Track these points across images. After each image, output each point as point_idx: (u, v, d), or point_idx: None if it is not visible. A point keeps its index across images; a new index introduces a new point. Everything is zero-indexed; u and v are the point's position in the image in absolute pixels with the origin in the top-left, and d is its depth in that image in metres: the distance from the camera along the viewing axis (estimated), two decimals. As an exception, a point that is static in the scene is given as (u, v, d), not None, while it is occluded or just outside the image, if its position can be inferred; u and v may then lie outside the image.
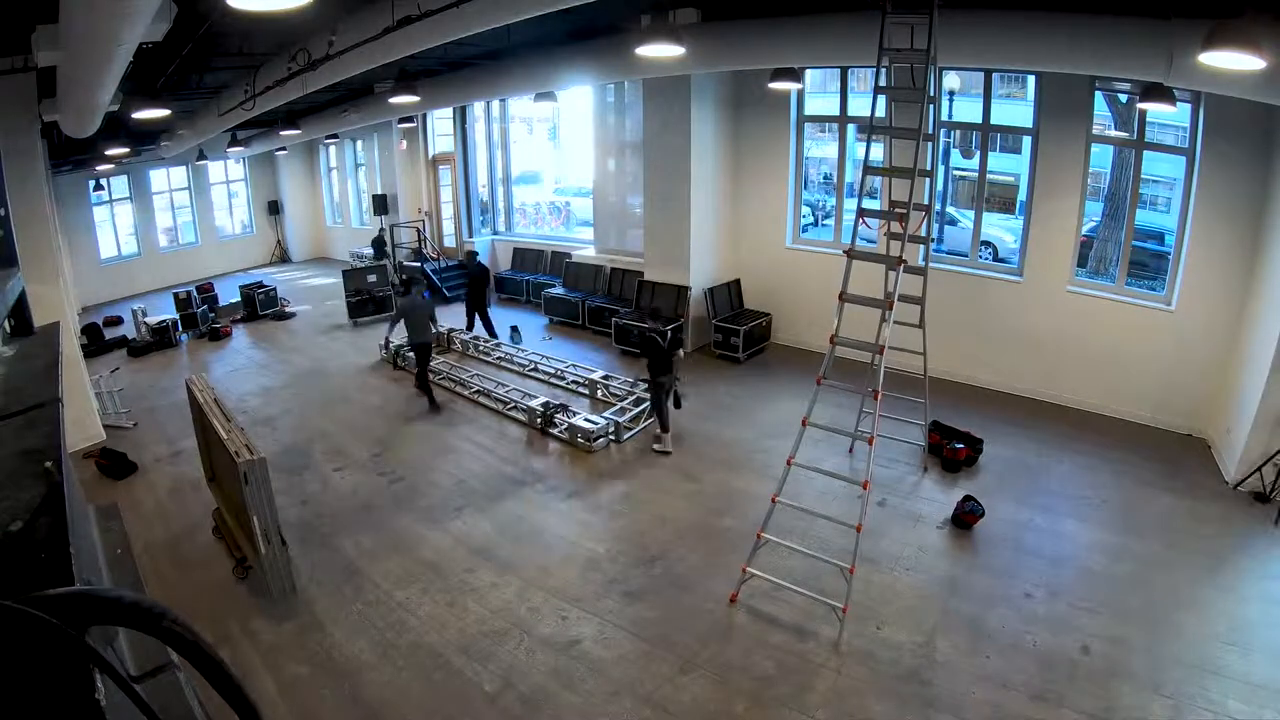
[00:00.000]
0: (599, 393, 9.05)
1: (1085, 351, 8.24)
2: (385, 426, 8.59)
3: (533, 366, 10.23)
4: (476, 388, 9.42)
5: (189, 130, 12.59)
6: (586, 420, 7.95)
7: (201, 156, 16.59)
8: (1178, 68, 5.17)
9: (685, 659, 4.69)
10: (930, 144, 8.95)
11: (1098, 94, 7.99)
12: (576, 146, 15.83)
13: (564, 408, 8.37)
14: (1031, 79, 8.53)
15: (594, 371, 9.55)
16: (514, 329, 11.71)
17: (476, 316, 11.44)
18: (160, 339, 12.18)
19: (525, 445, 7.99)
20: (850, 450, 7.23)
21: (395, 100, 9.16)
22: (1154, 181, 9.45)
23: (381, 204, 16.55)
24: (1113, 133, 9.02)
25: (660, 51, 6.05)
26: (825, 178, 11.92)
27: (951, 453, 7.01)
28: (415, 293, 9.24)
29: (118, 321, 13.90)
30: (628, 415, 8.16)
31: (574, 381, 9.57)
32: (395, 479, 7.28)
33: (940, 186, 9.77)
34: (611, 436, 7.89)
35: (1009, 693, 4.32)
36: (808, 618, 5.04)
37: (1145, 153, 7.85)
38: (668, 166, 10.35)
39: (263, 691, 4.43)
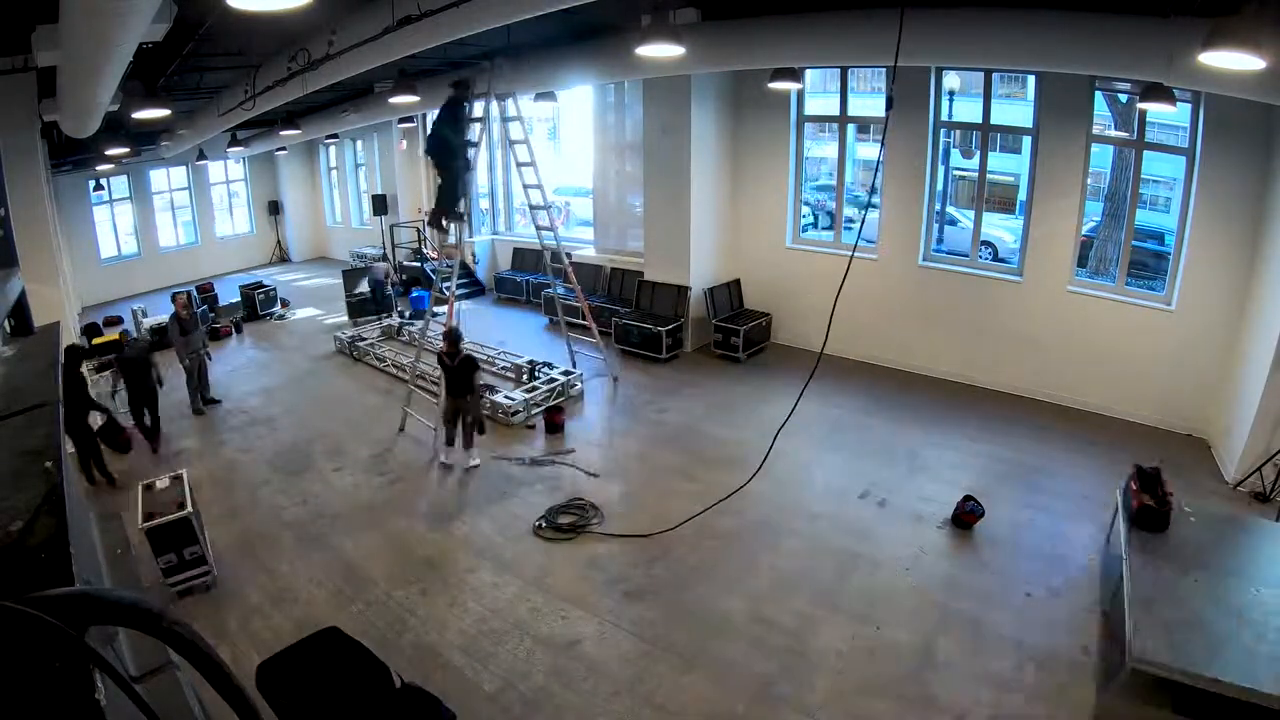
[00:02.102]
0: (524, 377, 9.54)
1: (1085, 352, 8.23)
2: (385, 426, 8.59)
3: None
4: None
5: (189, 130, 12.58)
6: (506, 397, 8.52)
7: (201, 156, 16.58)
8: (1178, 68, 5.17)
9: (685, 659, 4.69)
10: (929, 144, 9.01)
11: (1098, 94, 7.98)
12: (577, 147, 15.82)
13: (490, 388, 8.86)
14: (1031, 79, 8.53)
15: (520, 357, 10.04)
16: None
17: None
18: (161, 339, 12.17)
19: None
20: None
21: (395, 100, 9.16)
22: (1154, 181, 9.45)
23: (381, 204, 16.55)
24: (1113, 133, 9.02)
25: (660, 51, 6.04)
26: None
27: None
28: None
29: (118, 321, 13.90)
30: (539, 393, 8.73)
31: (504, 367, 10.12)
32: (395, 479, 7.28)
33: (940, 186, 9.76)
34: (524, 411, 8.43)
35: (1009, 693, 4.32)
36: (808, 618, 5.04)
37: (1145, 153, 7.85)
38: (668, 166, 10.35)
39: (263, 691, 4.42)
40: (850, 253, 5.55)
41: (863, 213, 7.20)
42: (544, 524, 6.27)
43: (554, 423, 8.16)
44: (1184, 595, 4.13)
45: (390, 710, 3.37)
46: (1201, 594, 4.14)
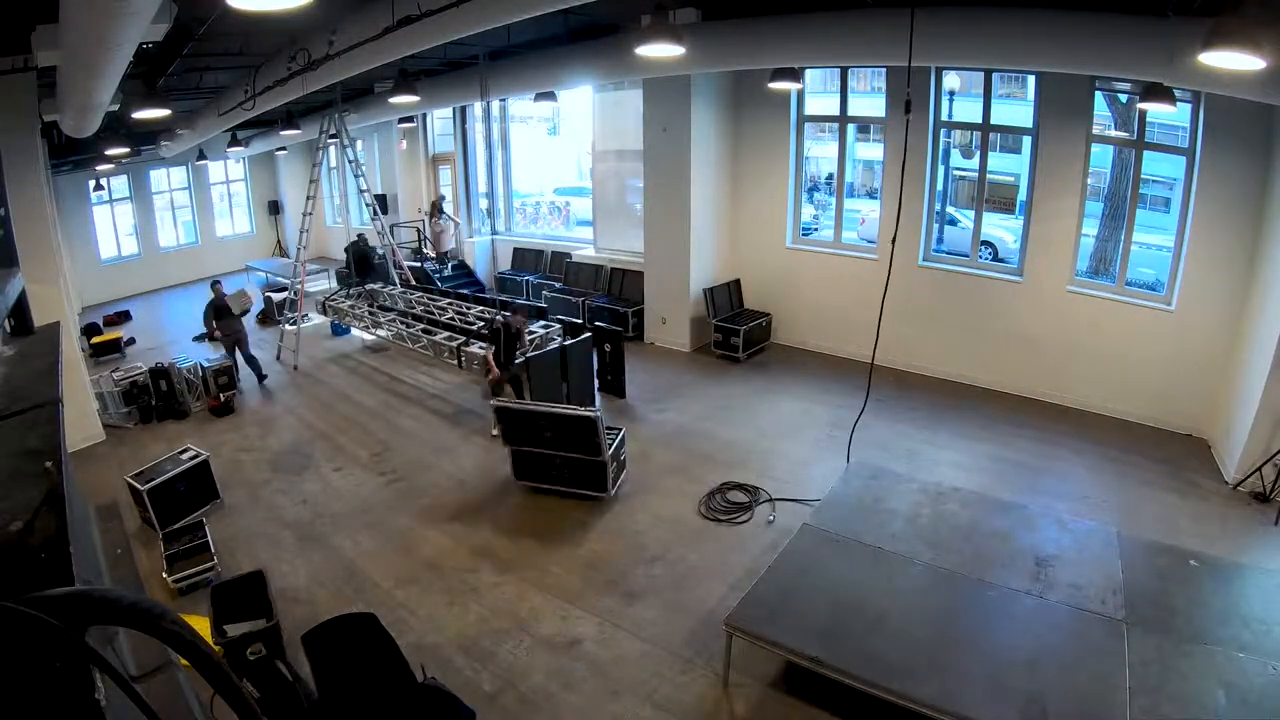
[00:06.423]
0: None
1: (1085, 351, 8.23)
2: (385, 426, 8.60)
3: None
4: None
5: (189, 130, 12.59)
6: (479, 347, 8.63)
7: (201, 156, 16.58)
8: (1178, 67, 5.17)
9: (685, 659, 4.69)
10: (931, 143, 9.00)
11: (1098, 94, 7.98)
12: (576, 147, 15.83)
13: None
14: (1031, 79, 8.53)
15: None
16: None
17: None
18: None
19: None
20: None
21: (395, 100, 9.16)
22: (1154, 181, 9.45)
23: (381, 204, 16.55)
24: (1113, 133, 9.01)
25: (660, 51, 6.04)
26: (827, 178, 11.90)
27: None
28: None
29: (117, 320, 13.91)
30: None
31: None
32: (395, 479, 7.28)
33: (940, 186, 9.76)
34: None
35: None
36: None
37: (1145, 152, 7.84)
38: (668, 166, 10.35)
39: (263, 691, 4.42)
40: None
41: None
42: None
43: None
44: (1184, 671, 3.81)
45: (413, 702, 3.42)
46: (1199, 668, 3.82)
